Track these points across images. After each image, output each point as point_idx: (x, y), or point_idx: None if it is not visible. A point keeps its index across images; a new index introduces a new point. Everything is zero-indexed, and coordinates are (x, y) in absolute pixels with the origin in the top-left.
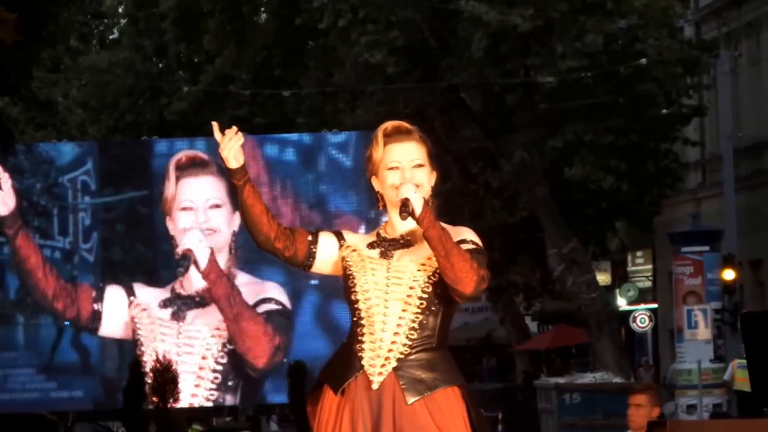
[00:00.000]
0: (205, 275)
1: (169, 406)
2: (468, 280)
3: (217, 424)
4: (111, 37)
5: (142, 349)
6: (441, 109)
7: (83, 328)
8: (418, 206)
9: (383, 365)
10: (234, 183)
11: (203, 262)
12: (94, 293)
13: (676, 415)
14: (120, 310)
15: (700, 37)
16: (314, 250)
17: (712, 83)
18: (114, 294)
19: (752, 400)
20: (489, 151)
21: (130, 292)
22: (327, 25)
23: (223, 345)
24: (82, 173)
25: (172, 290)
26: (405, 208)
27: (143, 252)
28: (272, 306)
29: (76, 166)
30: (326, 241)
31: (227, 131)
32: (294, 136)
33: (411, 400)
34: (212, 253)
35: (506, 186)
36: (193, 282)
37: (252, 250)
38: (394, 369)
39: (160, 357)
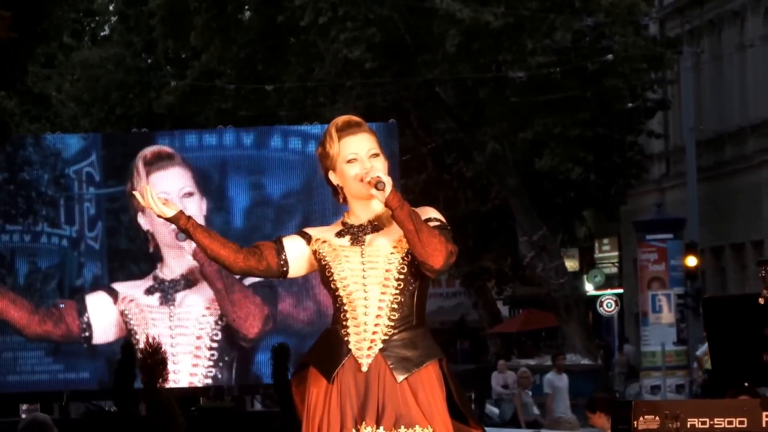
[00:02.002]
0: (195, 254)
1: (158, 386)
2: (438, 254)
3: (204, 403)
4: (102, 33)
5: (137, 337)
6: (416, 103)
7: (75, 342)
8: (388, 186)
9: (370, 347)
10: (181, 229)
11: (195, 254)
12: (76, 306)
13: (640, 396)
14: (108, 312)
15: (664, 34)
16: (283, 255)
17: (675, 78)
18: (97, 300)
19: (713, 380)
20: (462, 143)
21: (112, 293)
22: (308, 23)
23: (216, 322)
24: (87, 165)
25: (155, 277)
26: (380, 183)
27: (148, 241)
28: (255, 279)
29: (81, 158)
30: (292, 243)
31: (140, 194)
32: (317, 127)
33: (401, 378)
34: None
35: (479, 176)
36: (174, 268)
37: (237, 222)
38: (381, 350)
39: (150, 339)
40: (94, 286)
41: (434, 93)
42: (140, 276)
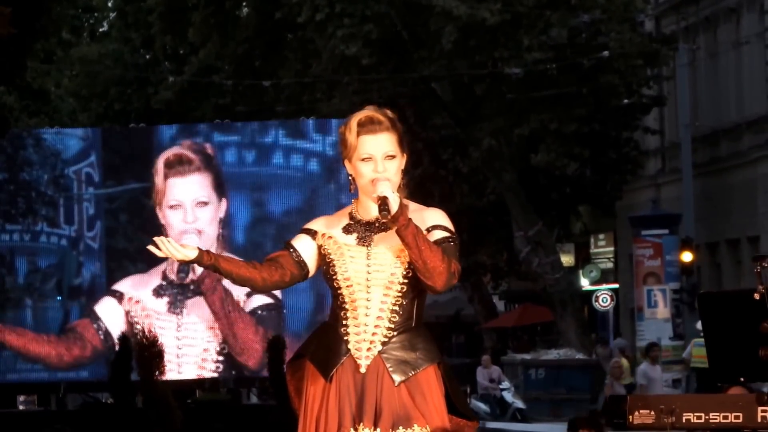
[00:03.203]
0: (200, 281)
1: (154, 378)
2: (439, 277)
3: (200, 396)
4: (101, 29)
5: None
6: (413, 99)
7: (104, 356)
8: (394, 205)
9: (369, 348)
10: (205, 266)
11: (199, 269)
12: (90, 322)
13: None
14: (118, 316)
15: (659, 30)
16: (300, 258)
17: (671, 75)
18: (106, 308)
19: (709, 376)
20: (458, 138)
21: (116, 295)
22: (305, 19)
23: (224, 339)
24: (86, 165)
25: (164, 276)
26: (384, 207)
27: (146, 241)
28: (263, 300)
29: (80, 159)
30: (302, 244)
31: (155, 248)
32: (318, 146)
33: (398, 380)
34: None
35: (475, 172)
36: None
37: (238, 238)
38: (380, 352)
39: (146, 332)
40: (96, 291)
41: (431, 89)
42: (146, 270)
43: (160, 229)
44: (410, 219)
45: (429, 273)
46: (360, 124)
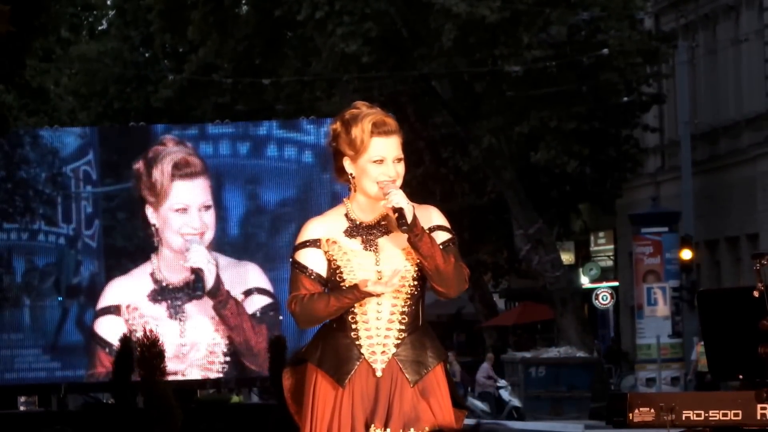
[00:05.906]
0: (211, 294)
1: (155, 378)
2: (451, 283)
3: (202, 396)
4: (100, 27)
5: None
6: (413, 97)
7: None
8: (409, 215)
9: (383, 352)
10: (355, 298)
11: (210, 281)
12: (103, 349)
13: (635, 388)
14: (121, 329)
15: (659, 28)
16: (319, 276)
17: (670, 72)
18: (108, 325)
19: (708, 374)
20: (459, 136)
21: (114, 309)
22: (305, 17)
23: (229, 339)
24: (84, 163)
25: (154, 278)
26: (403, 221)
27: (143, 239)
28: (261, 300)
29: (78, 157)
30: (313, 261)
31: (383, 285)
32: (312, 137)
33: (414, 380)
34: (217, 273)
35: (475, 170)
36: (174, 270)
37: (233, 231)
38: (394, 355)
39: (147, 332)
40: (95, 290)
41: (431, 87)
42: (134, 268)
43: (152, 230)
44: (423, 228)
45: (442, 280)
46: (375, 125)
